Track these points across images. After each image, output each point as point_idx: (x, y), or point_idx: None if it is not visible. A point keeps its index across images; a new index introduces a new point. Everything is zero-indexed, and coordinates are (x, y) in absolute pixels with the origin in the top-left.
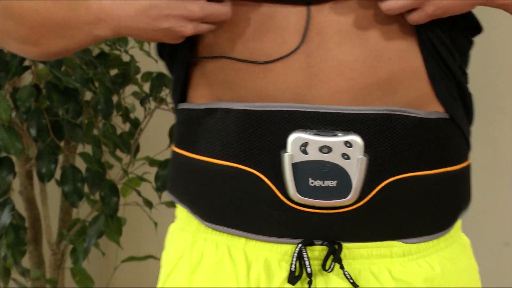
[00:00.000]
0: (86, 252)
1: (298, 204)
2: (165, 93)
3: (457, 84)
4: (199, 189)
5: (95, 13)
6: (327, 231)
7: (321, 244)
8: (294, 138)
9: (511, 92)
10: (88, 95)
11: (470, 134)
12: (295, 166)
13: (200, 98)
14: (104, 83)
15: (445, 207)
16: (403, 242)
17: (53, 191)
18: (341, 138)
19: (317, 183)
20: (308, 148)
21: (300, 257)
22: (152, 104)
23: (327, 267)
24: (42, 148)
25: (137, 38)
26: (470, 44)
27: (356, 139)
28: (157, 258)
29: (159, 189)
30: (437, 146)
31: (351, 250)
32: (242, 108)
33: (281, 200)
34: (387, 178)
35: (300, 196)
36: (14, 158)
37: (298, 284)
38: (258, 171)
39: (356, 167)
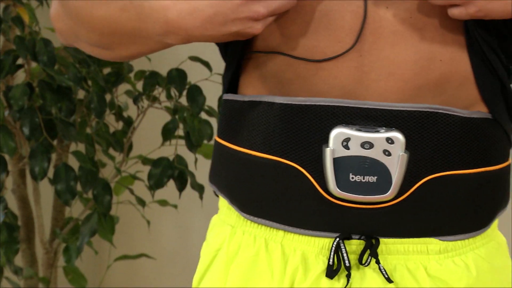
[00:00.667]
0: (79, 250)
1: (337, 199)
2: (158, 91)
3: (499, 81)
4: (239, 180)
5: (163, 27)
6: (364, 226)
7: (359, 239)
8: (337, 133)
9: None
10: (81, 94)
11: None
12: (336, 161)
13: (252, 88)
14: (97, 82)
15: (483, 206)
16: (440, 240)
17: (46, 189)
18: (383, 134)
19: (358, 178)
20: (350, 144)
21: (338, 250)
22: (145, 102)
23: (363, 261)
24: (35, 146)
25: (207, 41)
26: None
27: (398, 135)
28: (149, 257)
29: (152, 188)
30: (478, 146)
31: (388, 246)
32: (285, 102)
33: (321, 194)
34: (427, 176)
35: (340, 191)
36: (7, 156)
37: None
38: (298, 164)
39: (396, 164)
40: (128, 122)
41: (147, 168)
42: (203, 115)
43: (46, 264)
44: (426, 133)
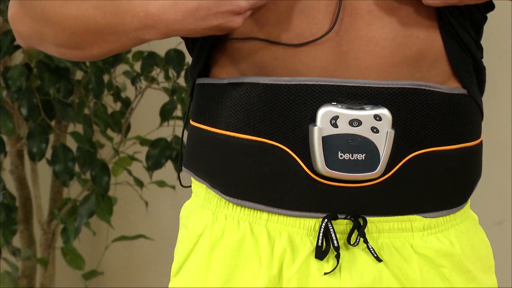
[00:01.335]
0: (77, 231)
1: (324, 178)
2: (156, 72)
3: (472, 58)
4: (220, 163)
5: (142, 20)
6: (351, 205)
7: (345, 218)
8: (325, 112)
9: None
10: (79, 74)
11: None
12: (325, 140)
13: (225, 75)
14: (95, 63)
15: (462, 182)
16: (423, 216)
17: (44, 170)
18: (371, 111)
19: (346, 156)
20: (338, 122)
21: (326, 231)
22: (143, 83)
23: (352, 242)
24: (33, 127)
25: (186, 36)
26: (485, 19)
27: (385, 112)
28: (148, 238)
29: (150, 169)
30: (459, 122)
31: (374, 224)
32: (270, 82)
33: (307, 174)
34: (411, 153)
35: (328, 170)
36: (5, 137)
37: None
38: (284, 145)
39: (384, 141)
40: (126, 103)
41: (145, 149)
42: None
43: (44, 245)
44: (410, 109)
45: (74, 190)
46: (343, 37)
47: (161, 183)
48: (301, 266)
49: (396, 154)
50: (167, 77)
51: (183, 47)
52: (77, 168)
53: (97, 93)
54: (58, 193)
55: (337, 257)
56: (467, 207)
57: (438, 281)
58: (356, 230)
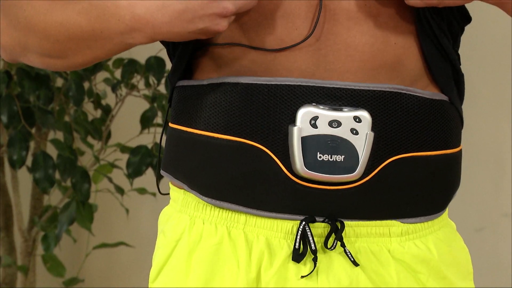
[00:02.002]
0: (57, 238)
1: (303, 180)
2: (137, 79)
3: (451, 64)
4: (199, 164)
5: (128, 23)
6: (329, 208)
7: (323, 221)
8: (304, 112)
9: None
10: (59, 82)
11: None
12: (304, 140)
13: (205, 77)
14: (76, 70)
15: (441, 189)
16: (401, 222)
17: (24, 177)
18: (351, 113)
19: (325, 157)
20: (318, 122)
21: (303, 234)
22: (123, 90)
23: (329, 245)
24: (13, 134)
25: (171, 40)
26: (462, 30)
27: (365, 114)
28: (128, 245)
29: (130, 176)
30: (440, 128)
31: (352, 228)
32: (250, 82)
33: (286, 175)
34: (391, 157)
35: (307, 170)
36: None
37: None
38: (263, 145)
39: (364, 143)
40: (107, 110)
41: (125, 156)
42: None
43: (24, 252)
44: (391, 113)
45: (55, 198)
46: (322, 42)
47: (142, 190)
48: (279, 269)
49: (375, 157)
50: (147, 84)
51: (163, 54)
52: (57, 176)
53: (77, 100)
54: (39, 200)
55: (315, 260)
56: (445, 214)
57: (415, 286)
58: (333, 234)
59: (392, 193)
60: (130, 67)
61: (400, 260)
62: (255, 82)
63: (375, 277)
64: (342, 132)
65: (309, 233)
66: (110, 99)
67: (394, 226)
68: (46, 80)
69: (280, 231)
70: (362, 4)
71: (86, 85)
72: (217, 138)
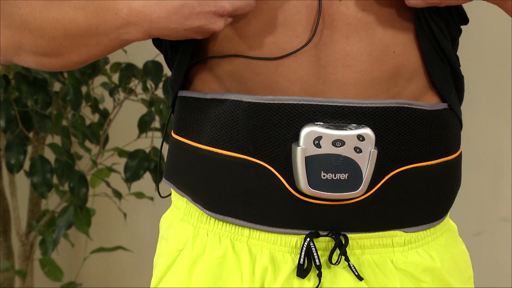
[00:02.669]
0: (55, 243)
1: (307, 196)
2: (134, 83)
3: (450, 67)
4: (202, 178)
5: (126, 17)
6: (333, 222)
7: (327, 235)
8: (308, 132)
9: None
10: (57, 86)
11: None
12: (308, 160)
13: (207, 89)
14: (73, 74)
15: (443, 195)
16: (404, 231)
17: (22, 182)
18: (354, 131)
19: (329, 176)
20: (321, 142)
21: (308, 250)
22: (121, 95)
23: (333, 261)
24: (11, 139)
25: (167, 38)
26: (460, 32)
27: (368, 132)
28: (126, 249)
29: (128, 180)
30: (440, 137)
31: (355, 241)
32: (253, 100)
33: (289, 192)
34: (393, 170)
35: (311, 189)
36: None
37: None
38: (266, 163)
39: (367, 160)
40: (104, 114)
41: (123, 161)
42: None
43: (22, 256)
44: (393, 128)
45: (52, 202)
46: (322, 50)
47: (140, 195)
48: (284, 283)
49: (378, 172)
50: (145, 89)
51: (161, 59)
52: (55, 180)
53: (75, 104)
54: (36, 204)
55: (319, 276)
56: (447, 219)
57: None
58: (337, 249)
59: (395, 204)
60: (128, 71)
61: (403, 271)
62: (258, 101)
63: None
64: (345, 151)
65: (313, 248)
66: (107, 103)
67: (397, 236)
68: (44, 84)
69: (284, 245)
70: (360, 9)
71: (84, 89)
72: (221, 154)
